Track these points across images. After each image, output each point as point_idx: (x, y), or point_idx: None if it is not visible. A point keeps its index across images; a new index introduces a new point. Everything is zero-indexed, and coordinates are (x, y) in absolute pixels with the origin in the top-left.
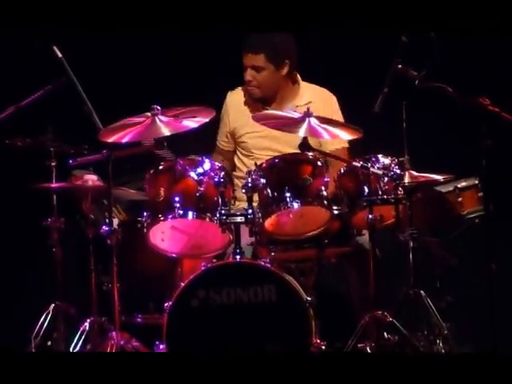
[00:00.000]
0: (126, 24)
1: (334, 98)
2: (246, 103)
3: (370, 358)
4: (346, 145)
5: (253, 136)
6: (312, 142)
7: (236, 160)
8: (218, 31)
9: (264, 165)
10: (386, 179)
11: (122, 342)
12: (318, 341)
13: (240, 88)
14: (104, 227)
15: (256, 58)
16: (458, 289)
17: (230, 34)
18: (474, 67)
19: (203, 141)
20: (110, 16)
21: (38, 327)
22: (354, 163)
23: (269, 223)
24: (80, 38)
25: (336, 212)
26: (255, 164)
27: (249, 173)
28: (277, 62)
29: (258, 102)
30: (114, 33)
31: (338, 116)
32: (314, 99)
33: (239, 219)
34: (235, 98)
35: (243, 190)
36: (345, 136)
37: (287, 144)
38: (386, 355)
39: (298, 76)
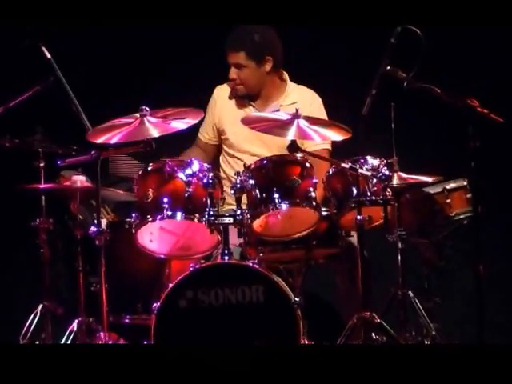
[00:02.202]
0: (115, 24)
1: (319, 100)
2: (232, 98)
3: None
4: (328, 146)
5: (236, 130)
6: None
7: (221, 161)
8: (205, 30)
9: (252, 166)
10: (375, 180)
11: (109, 343)
12: (306, 341)
13: (227, 84)
14: (92, 228)
15: (237, 55)
16: (445, 290)
17: (216, 32)
18: (462, 68)
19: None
20: (98, 16)
21: (25, 327)
22: (343, 164)
23: (257, 224)
24: (68, 38)
25: (324, 213)
26: (244, 165)
27: (237, 174)
28: (258, 58)
29: (243, 99)
30: (103, 33)
31: (321, 115)
32: (299, 100)
33: (227, 220)
34: (222, 92)
35: (232, 191)
36: (334, 136)
37: (272, 142)
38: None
39: (286, 75)
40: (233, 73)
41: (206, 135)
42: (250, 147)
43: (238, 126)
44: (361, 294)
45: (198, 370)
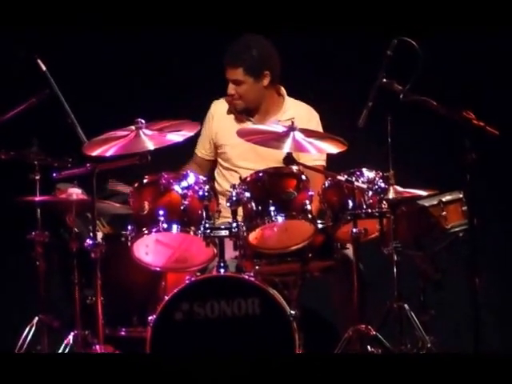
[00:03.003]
0: (110, 35)
1: (317, 116)
2: (229, 113)
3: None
4: (323, 163)
5: (234, 145)
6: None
7: (217, 175)
8: (202, 42)
9: (248, 178)
10: (371, 193)
11: None
12: None
13: (224, 98)
14: (88, 241)
15: (235, 71)
16: (441, 302)
17: (214, 44)
18: (458, 81)
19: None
20: (94, 27)
21: (21, 340)
22: (339, 177)
23: (253, 237)
24: (64, 50)
25: (320, 226)
26: (240, 178)
27: (233, 186)
28: (256, 74)
29: (241, 114)
30: (98, 44)
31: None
32: (297, 115)
33: (223, 233)
34: (220, 107)
35: (228, 204)
36: (330, 149)
37: (269, 156)
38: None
39: (283, 90)
40: (231, 88)
41: (203, 151)
42: (248, 162)
43: (235, 140)
44: (356, 307)
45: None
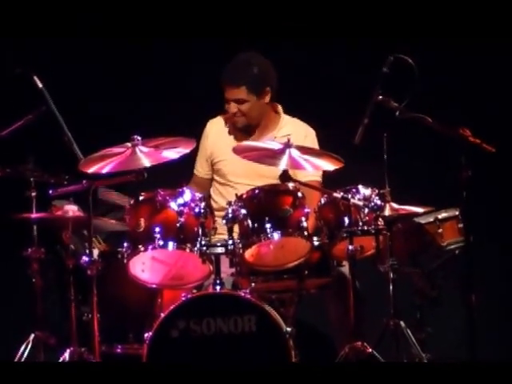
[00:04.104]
0: (107, 54)
1: (313, 133)
2: (225, 130)
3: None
4: (319, 178)
5: (230, 161)
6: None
7: (212, 191)
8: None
9: (244, 195)
10: (367, 210)
11: None
12: None
13: (220, 116)
14: (84, 258)
15: (238, 91)
16: (438, 320)
17: (210, 61)
18: (455, 98)
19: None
20: (91, 45)
21: (18, 357)
22: (335, 194)
23: (249, 254)
24: (60, 67)
25: (316, 243)
26: (236, 195)
27: (229, 203)
28: (258, 91)
29: (241, 131)
30: (94, 62)
31: (314, 146)
32: (294, 132)
33: (219, 250)
34: (215, 125)
35: (223, 221)
36: (326, 166)
37: (266, 172)
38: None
39: (280, 107)
40: (233, 107)
41: (201, 170)
42: (243, 178)
43: (231, 156)
44: (353, 324)
45: None
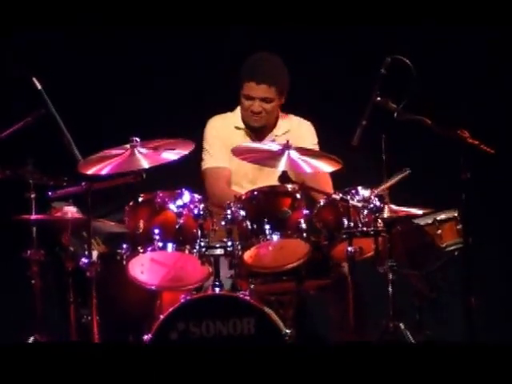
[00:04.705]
0: (105, 54)
1: (309, 124)
2: (228, 129)
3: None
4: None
5: (239, 165)
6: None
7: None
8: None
9: (243, 197)
10: (366, 212)
11: None
12: None
13: (220, 115)
14: (83, 259)
15: (268, 90)
16: (437, 321)
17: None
18: (453, 99)
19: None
20: (89, 46)
21: None
22: (334, 196)
23: (248, 255)
24: (59, 69)
25: (315, 244)
26: (234, 196)
27: (228, 205)
28: (283, 94)
29: (253, 131)
30: (93, 63)
31: (313, 140)
32: (291, 128)
33: (218, 251)
34: (217, 124)
35: (223, 223)
36: (325, 167)
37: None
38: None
39: None
40: (258, 106)
41: (222, 161)
42: (252, 180)
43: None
44: (352, 326)
45: None
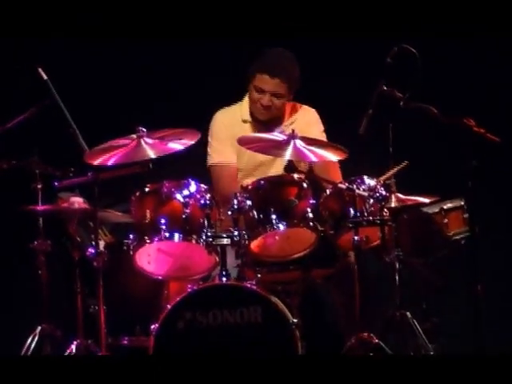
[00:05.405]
0: (111, 45)
1: (314, 112)
2: (236, 121)
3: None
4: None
5: (249, 156)
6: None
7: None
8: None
9: (250, 186)
10: (372, 201)
11: None
12: None
13: (226, 108)
14: (90, 250)
15: (280, 85)
16: (443, 310)
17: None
18: (460, 88)
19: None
20: (96, 38)
21: (24, 349)
22: (340, 185)
23: (255, 245)
24: (65, 59)
25: (322, 233)
26: (241, 186)
27: (234, 195)
28: (292, 91)
29: (260, 124)
30: (99, 54)
31: (320, 127)
32: (298, 117)
33: (225, 241)
34: (223, 117)
35: (229, 212)
36: (331, 157)
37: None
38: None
39: None
40: (268, 100)
41: (230, 159)
42: (264, 171)
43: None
44: (358, 315)
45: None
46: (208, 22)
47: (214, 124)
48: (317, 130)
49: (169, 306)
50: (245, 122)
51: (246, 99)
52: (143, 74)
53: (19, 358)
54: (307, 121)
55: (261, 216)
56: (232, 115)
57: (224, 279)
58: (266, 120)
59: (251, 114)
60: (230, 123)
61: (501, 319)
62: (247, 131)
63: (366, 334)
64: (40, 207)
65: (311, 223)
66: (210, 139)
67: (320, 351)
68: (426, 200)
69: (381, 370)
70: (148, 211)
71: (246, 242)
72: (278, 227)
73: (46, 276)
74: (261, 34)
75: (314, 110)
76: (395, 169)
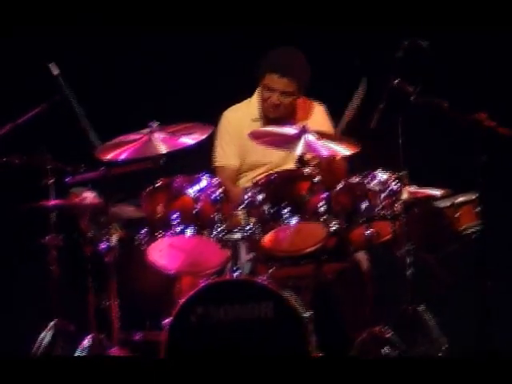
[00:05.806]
0: (122, 40)
1: (322, 108)
2: (244, 119)
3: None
4: None
5: (259, 152)
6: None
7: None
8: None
9: (261, 181)
10: (383, 195)
11: None
12: None
13: (235, 107)
14: (102, 245)
15: (291, 84)
16: (454, 304)
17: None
18: (470, 81)
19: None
20: (106, 32)
21: (37, 344)
22: (352, 179)
23: (267, 240)
24: (76, 55)
25: (333, 228)
26: (252, 181)
27: (246, 189)
28: (302, 91)
29: (269, 121)
30: (110, 49)
31: (328, 125)
32: (308, 113)
33: (237, 236)
34: (233, 116)
35: (241, 207)
36: (343, 151)
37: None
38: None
39: None
40: (276, 99)
41: (233, 162)
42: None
43: (259, 148)
44: (370, 309)
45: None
46: (222, 17)
47: (222, 124)
48: (327, 126)
49: (181, 301)
50: (255, 120)
51: (255, 97)
52: (154, 69)
53: (26, 360)
54: (318, 117)
55: (272, 211)
56: (240, 115)
57: (236, 274)
58: (275, 118)
59: (261, 112)
60: (239, 123)
61: (510, 315)
62: (258, 126)
63: (378, 328)
64: (52, 202)
65: (323, 218)
66: (217, 139)
67: (332, 346)
68: (437, 192)
69: (390, 370)
70: (159, 206)
71: (258, 237)
72: (290, 222)
73: (57, 271)
74: (268, 27)
75: (322, 105)
76: (357, 94)
